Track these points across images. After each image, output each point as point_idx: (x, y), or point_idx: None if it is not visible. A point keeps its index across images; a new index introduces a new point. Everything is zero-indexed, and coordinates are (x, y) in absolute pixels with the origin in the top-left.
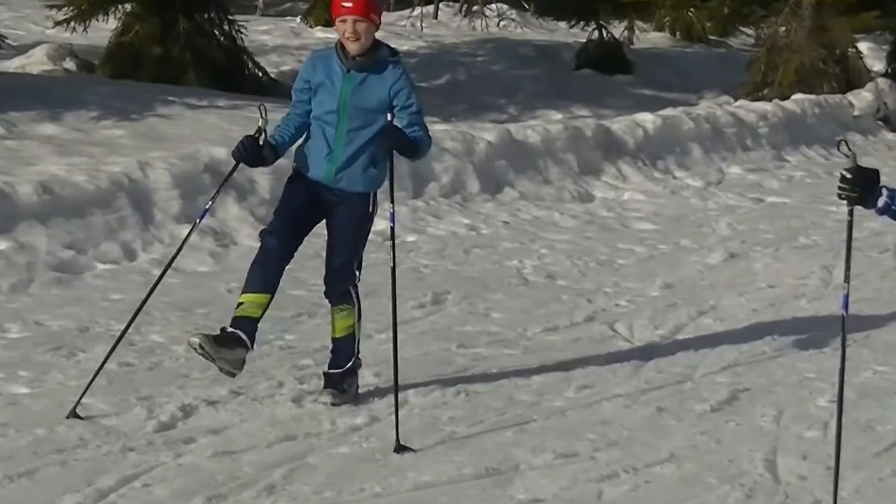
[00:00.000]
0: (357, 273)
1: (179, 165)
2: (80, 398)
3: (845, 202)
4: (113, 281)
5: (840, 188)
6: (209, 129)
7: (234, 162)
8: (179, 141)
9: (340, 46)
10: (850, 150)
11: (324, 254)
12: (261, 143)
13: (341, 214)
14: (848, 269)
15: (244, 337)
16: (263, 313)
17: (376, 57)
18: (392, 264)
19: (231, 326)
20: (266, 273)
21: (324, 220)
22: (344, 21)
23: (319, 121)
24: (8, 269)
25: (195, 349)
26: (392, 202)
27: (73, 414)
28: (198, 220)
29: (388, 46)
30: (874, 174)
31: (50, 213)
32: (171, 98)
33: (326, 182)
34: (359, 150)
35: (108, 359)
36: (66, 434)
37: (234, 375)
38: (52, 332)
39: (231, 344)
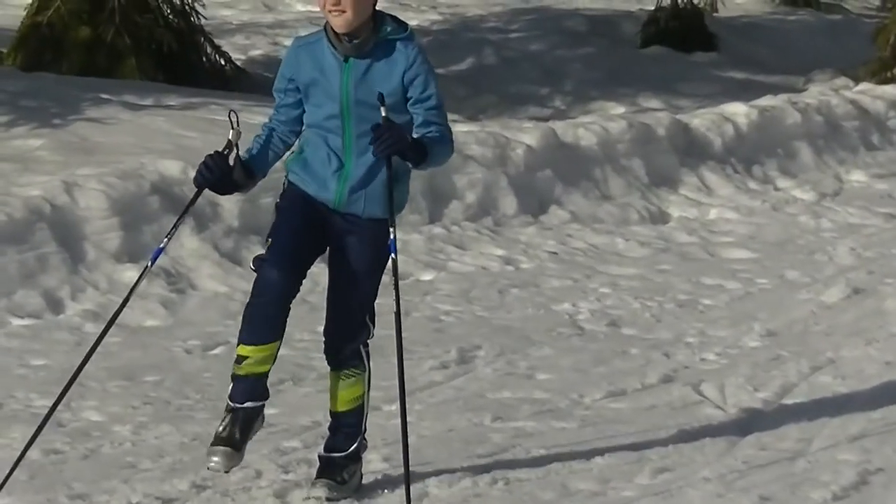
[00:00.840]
0: (371, 326)
1: (118, 186)
2: None
3: None
4: (33, 341)
5: None
6: (156, 136)
7: (195, 185)
8: (117, 153)
9: (332, 28)
10: None
11: (311, 298)
12: (232, 162)
13: (354, 248)
14: None
15: (258, 404)
16: (272, 365)
17: (379, 35)
18: (396, 309)
19: (235, 398)
20: (268, 315)
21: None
22: None
23: (319, 129)
24: None
25: (222, 472)
26: (392, 225)
27: None
28: (149, 265)
29: (395, 19)
30: None
31: None
32: (104, 95)
33: (336, 206)
34: (377, 161)
35: (31, 445)
36: None
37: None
38: None
39: (252, 424)
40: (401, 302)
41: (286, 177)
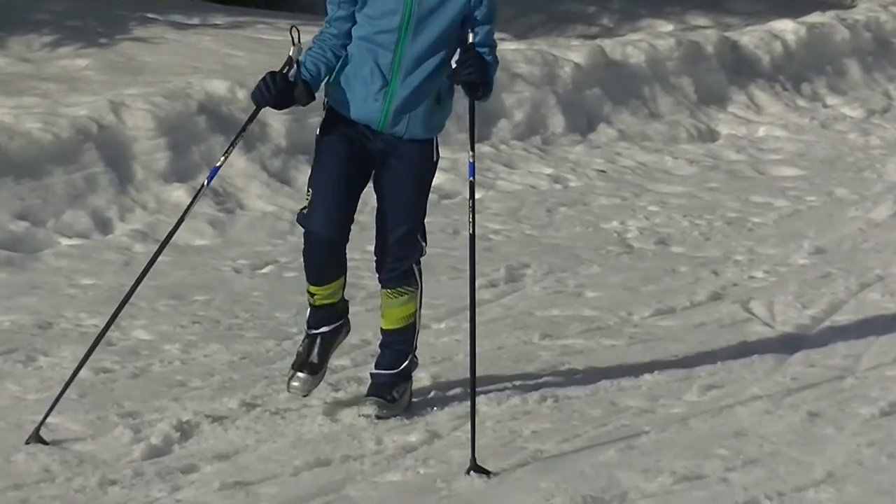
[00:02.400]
0: (423, 243)
1: (165, 105)
2: (45, 417)
3: None
4: (81, 261)
5: None
6: (203, 55)
7: (238, 100)
8: (164, 72)
9: None
10: None
11: (361, 218)
12: (291, 78)
13: (399, 169)
14: None
15: (334, 326)
16: (343, 292)
17: None
18: (471, 231)
19: (311, 324)
20: (322, 264)
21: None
22: None
23: (369, 42)
24: None
25: (300, 395)
26: (472, 149)
27: (36, 437)
28: (205, 184)
29: None
30: None
31: None
32: (150, 15)
33: (378, 126)
34: (423, 82)
35: (82, 365)
36: (27, 464)
37: None
38: (2, 331)
39: (330, 346)
40: (449, 221)
41: (325, 99)
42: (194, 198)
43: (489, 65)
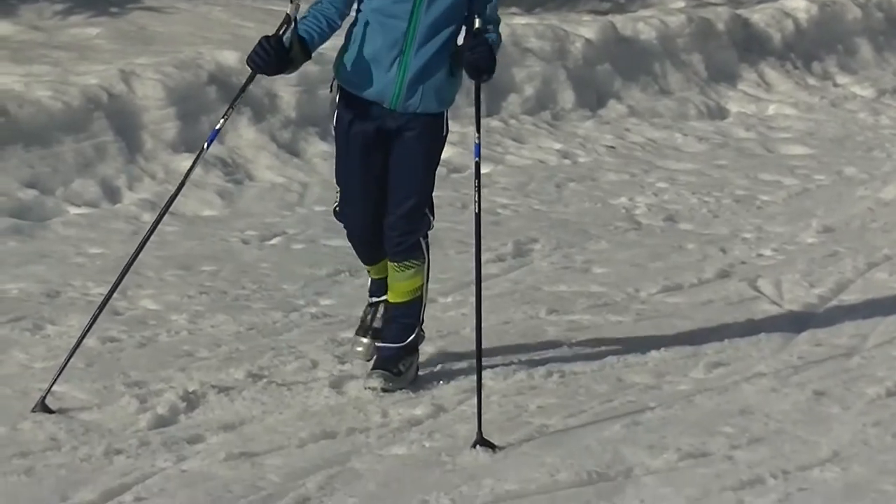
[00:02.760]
0: (431, 217)
1: (175, 75)
2: (51, 386)
3: None
4: (90, 230)
5: None
6: (214, 26)
7: (249, 71)
8: (174, 42)
9: None
10: None
11: None
12: (287, 43)
13: (410, 144)
14: None
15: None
16: None
17: None
18: (476, 210)
19: (371, 293)
20: (363, 248)
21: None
22: None
23: (382, 14)
24: None
25: (364, 359)
26: (478, 130)
27: (42, 406)
28: (205, 146)
29: None
30: None
31: (4, 142)
32: None
33: (391, 102)
34: (436, 53)
35: (87, 333)
36: (33, 433)
37: None
38: (9, 299)
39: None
40: (458, 195)
41: (335, 81)
42: (195, 161)
43: (495, 46)
